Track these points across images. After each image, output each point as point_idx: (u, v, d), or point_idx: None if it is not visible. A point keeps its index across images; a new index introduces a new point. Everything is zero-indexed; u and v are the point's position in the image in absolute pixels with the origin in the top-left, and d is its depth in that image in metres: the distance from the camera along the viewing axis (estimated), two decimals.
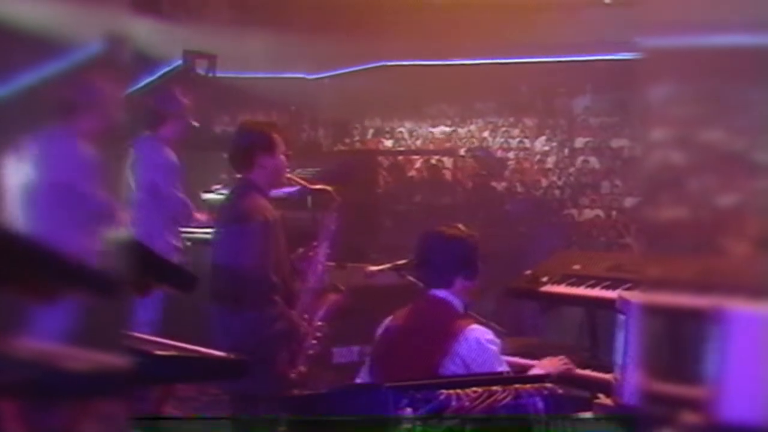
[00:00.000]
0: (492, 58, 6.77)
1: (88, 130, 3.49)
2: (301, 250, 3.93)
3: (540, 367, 3.24)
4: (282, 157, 3.75)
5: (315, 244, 3.89)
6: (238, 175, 3.87)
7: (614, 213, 6.55)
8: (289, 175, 3.85)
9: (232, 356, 2.61)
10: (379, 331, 3.23)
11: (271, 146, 3.73)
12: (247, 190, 3.74)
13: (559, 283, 3.54)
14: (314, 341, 3.76)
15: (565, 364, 3.24)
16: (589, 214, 6.70)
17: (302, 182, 3.94)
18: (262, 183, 3.73)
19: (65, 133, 3.49)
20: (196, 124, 4.93)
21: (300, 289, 3.81)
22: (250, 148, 3.73)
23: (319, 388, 4.18)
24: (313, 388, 4.07)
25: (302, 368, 3.70)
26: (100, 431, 2.19)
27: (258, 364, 2.72)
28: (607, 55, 6.15)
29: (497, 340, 3.05)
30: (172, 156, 4.66)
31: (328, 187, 3.93)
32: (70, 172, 3.41)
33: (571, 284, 3.49)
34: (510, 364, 3.20)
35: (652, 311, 2.19)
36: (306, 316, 3.78)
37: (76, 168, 3.42)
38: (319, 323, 3.78)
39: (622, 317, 2.64)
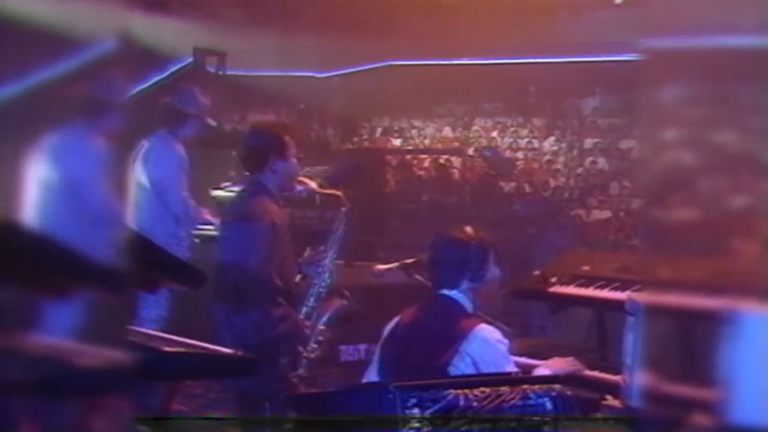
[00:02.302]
0: (501, 59, 6.75)
1: (110, 129, 3.51)
2: (308, 252, 3.93)
3: (547, 366, 3.23)
4: (294, 160, 3.75)
5: (322, 248, 3.90)
6: (247, 173, 3.87)
7: (623, 214, 6.52)
8: (300, 177, 3.86)
9: (239, 354, 2.61)
10: (387, 329, 3.23)
11: (283, 149, 3.72)
12: (257, 191, 3.74)
13: (568, 283, 3.53)
14: (316, 345, 3.74)
15: (574, 365, 3.24)
16: (597, 215, 6.67)
17: (313, 185, 3.94)
18: (272, 185, 3.72)
19: (88, 131, 3.50)
20: (213, 123, 4.94)
21: (305, 292, 3.81)
22: (262, 150, 3.72)
23: (326, 386, 4.17)
24: (320, 386, 4.06)
25: (303, 371, 3.69)
26: (108, 428, 2.19)
27: (261, 365, 2.72)
28: (616, 56, 6.12)
29: (505, 340, 3.06)
30: (184, 157, 4.67)
31: (338, 192, 3.93)
32: (88, 170, 3.42)
33: (580, 285, 3.49)
34: (518, 364, 3.20)
35: (661, 312, 2.18)
36: (310, 319, 3.77)
37: (93, 166, 3.44)
38: (322, 327, 3.77)
39: (631, 318, 2.63)
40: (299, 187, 3.99)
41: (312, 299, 3.80)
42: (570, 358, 3.26)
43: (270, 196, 3.70)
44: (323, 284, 3.83)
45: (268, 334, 3.57)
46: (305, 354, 3.71)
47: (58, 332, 2.12)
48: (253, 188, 3.76)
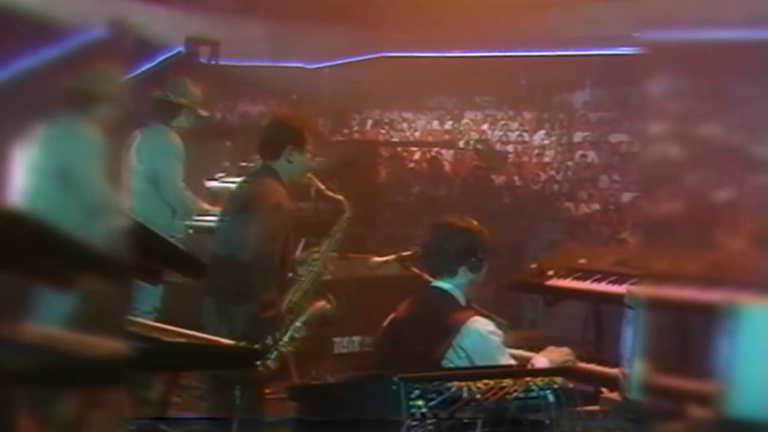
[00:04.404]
0: (492, 52, 6.75)
1: (104, 119, 3.49)
2: (303, 244, 3.96)
3: (543, 356, 3.25)
4: (309, 155, 3.83)
5: (316, 249, 3.92)
6: (250, 164, 3.89)
7: (612, 208, 6.55)
8: (309, 175, 3.92)
9: (240, 345, 2.61)
10: (385, 323, 3.24)
11: (302, 142, 3.82)
12: (267, 174, 3.84)
13: (565, 277, 3.55)
14: (289, 340, 3.73)
15: (568, 355, 3.26)
16: (586, 208, 6.70)
17: (320, 185, 3.97)
18: (284, 174, 3.80)
19: (82, 121, 3.48)
20: (204, 113, 4.91)
21: (292, 286, 3.82)
22: (281, 140, 3.82)
23: (320, 378, 4.17)
24: (314, 378, 4.06)
25: (272, 363, 3.67)
26: (106, 419, 2.19)
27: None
28: (606, 49, 6.14)
29: (499, 332, 3.08)
30: (181, 148, 4.64)
31: (341, 197, 3.97)
32: (82, 160, 3.40)
33: (578, 278, 3.50)
34: (513, 356, 3.22)
35: (658, 305, 2.20)
36: (291, 313, 3.78)
37: (87, 156, 3.42)
38: (299, 324, 3.77)
39: (630, 312, 2.64)
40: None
41: (298, 294, 3.82)
42: (565, 349, 3.28)
43: (279, 182, 3.77)
44: (311, 282, 3.85)
45: (253, 318, 3.58)
46: (278, 346, 3.70)
47: (57, 322, 2.11)
48: (265, 172, 3.87)
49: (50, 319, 2.09)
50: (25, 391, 1.98)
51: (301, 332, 3.75)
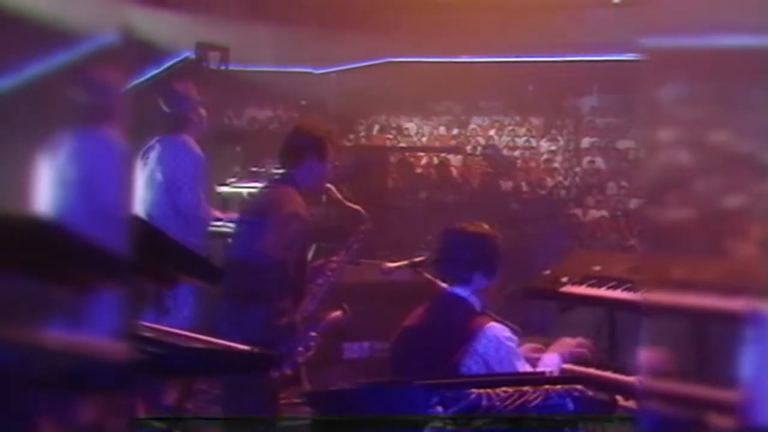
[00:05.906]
0: (499, 57, 6.76)
1: (115, 125, 3.49)
2: (321, 259, 3.97)
3: (555, 350, 3.24)
4: (329, 165, 3.83)
5: (334, 258, 3.92)
6: (261, 169, 3.90)
7: (620, 214, 6.54)
8: (328, 185, 3.92)
9: (256, 350, 2.60)
10: (399, 329, 3.23)
11: (323, 151, 3.83)
12: (287, 182, 3.84)
13: (579, 283, 3.53)
14: (303, 349, 3.73)
15: (581, 345, 3.24)
16: (594, 214, 6.69)
17: (339, 197, 3.97)
18: (303, 182, 3.80)
19: (94, 126, 3.48)
20: (202, 98, 4.79)
21: (308, 296, 3.82)
22: (302, 149, 3.83)
23: (329, 384, 4.15)
24: (324, 384, 4.04)
25: (287, 370, 3.67)
26: (122, 423, 2.18)
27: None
28: (614, 55, 6.14)
29: (514, 337, 3.07)
30: (202, 156, 4.57)
31: (361, 209, 3.97)
32: (97, 164, 3.40)
33: (592, 285, 3.48)
34: (526, 357, 3.20)
35: (674, 313, 2.18)
36: (306, 322, 3.78)
37: (102, 161, 3.42)
38: (314, 334, 3.77)
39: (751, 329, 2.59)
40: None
41: (314, 302, 3.81)
42: (578, 339, 3.27)
43: (298, 190, 3.77)
44: (327, 291, 3.84)
45: (268, 326, 3.58)
46: (292, 354, 3.69)
47: (74, 326, 2.10)
48: (284, 180, 3.88)
49: (68, 324, 2.09)
50: (44, 396, 1.98)
51: (316, 341, 3.76)
